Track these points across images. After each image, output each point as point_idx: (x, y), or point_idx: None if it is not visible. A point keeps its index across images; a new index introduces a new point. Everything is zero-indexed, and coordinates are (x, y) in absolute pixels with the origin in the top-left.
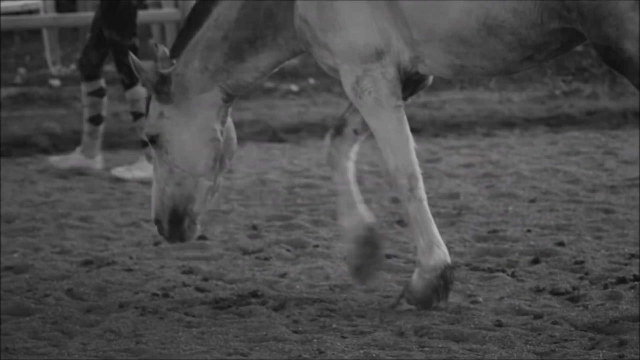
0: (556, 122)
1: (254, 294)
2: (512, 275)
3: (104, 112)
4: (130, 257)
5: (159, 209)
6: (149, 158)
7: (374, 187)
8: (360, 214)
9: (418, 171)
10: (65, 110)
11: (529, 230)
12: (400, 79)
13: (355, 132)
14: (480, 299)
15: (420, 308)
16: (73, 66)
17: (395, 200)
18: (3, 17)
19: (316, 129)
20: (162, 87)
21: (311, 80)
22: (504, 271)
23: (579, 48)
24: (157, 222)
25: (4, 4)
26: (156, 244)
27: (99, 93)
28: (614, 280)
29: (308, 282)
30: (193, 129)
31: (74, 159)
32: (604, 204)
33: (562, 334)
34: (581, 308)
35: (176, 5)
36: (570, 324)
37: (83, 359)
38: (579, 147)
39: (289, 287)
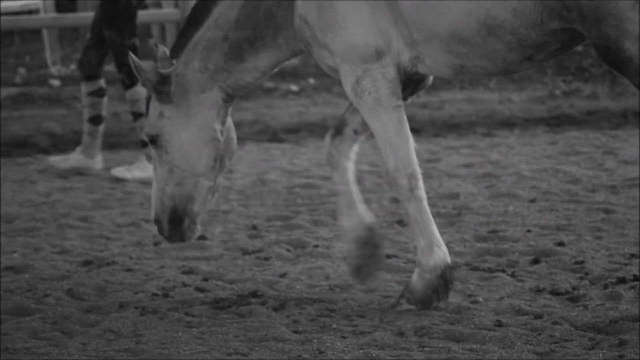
0: (556, 122)
1: (254, 294)
2: (512, 275)
3: (104, 112)
4: (130, 257)
5: (159, 209)
6: (149, 158)
7: (374, 187)
8: (360, 214)
9: (418, 171)
10: (65, 110)
11: (529, 230)
12: (400, 79)
13: (355, 132)
14: (480, 299)
15: (420, 308)
16: (73, 66)
17: (395, 200)
18: (3, 17)
19: (316, 129)
20: (162, 87)
21: (311, 80)
22: (504, 271)
23: (579, 48)
24: (157, 222)
25: (4, 4)
26: (156, 244)
27: (99, 93)
28: (614, 280)
29: (308, 282)
30: (193, 129)
31: (74, 159)
32: (604, 204)
33: (562, 334)
34: (581, 308)
35: (176, 5)
36: (570, 324)
37: (83, 359)
38: (579, 147)
39: (289, 287)
